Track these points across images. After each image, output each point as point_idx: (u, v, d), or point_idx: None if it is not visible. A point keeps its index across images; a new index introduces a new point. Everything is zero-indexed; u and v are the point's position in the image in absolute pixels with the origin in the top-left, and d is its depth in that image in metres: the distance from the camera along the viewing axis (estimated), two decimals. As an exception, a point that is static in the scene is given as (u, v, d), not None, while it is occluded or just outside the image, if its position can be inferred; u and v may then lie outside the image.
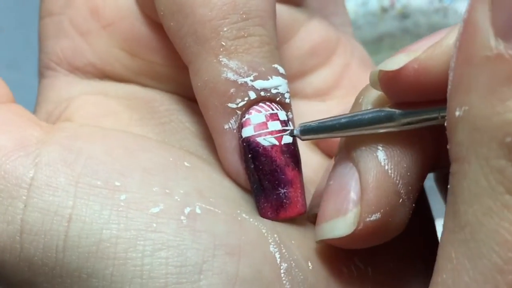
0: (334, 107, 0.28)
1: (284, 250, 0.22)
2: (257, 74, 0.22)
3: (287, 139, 0.22)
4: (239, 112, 0.22)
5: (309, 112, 0.27)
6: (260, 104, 0.22)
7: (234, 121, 0.22)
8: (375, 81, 0.21)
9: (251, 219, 0.22)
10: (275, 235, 0.22)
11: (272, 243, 0.21)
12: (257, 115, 0.22)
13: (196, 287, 0.20)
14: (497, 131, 0.16)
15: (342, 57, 0.29)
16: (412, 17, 0.58)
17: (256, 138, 0.22)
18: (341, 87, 0.29)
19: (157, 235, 0.20)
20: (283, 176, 0.22)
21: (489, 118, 0.16)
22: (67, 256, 0.20)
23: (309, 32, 0.28)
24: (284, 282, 0.21)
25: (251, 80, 0.22)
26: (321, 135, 0.22)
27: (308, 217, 0.23)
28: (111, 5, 0.25)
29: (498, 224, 0.16)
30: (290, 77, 0.26)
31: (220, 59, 0.21)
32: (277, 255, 0.21)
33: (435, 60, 0.19)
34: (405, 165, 0.21)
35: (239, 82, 0.22)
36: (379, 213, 0.20)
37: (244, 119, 0.22)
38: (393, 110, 0.20)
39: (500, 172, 0.16)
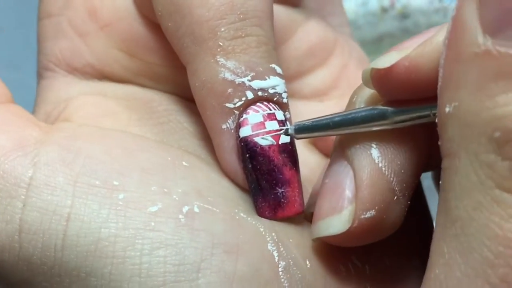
0: (332, 108, 0.27)
1: (282, 249, 0.22)
2: (254, 74, 0.22)
3: (285, 138, 0.22)
4: (236, 112, 0.22)
5: (307, 112, 0.27)
6: (258, 104, 0.22)
7: (232, 121, 0.22)
8: (367, 79, 0.21)
9: (249, 218, 0.22)
10: (273, 234, 0.22)
11: (270, 242, 0.22)
12: (254, 115, 0.22)
13: (195, 286, 0.20)
14: (486, 126, 0.16)
15: (339, 58, 0.29)
16: (412, 17, 0.58)
17: (254, 138, 0.22)
18: (339, 87, 0.29)
19: (155, 234, 0.20)
20: (281, 176, 0.22)
21: (478, 114, 0.16)
22: (65, 255, 0.20)
23: (306, 33, 0.28)
24: (282, 280, 0.21)
25: (249, 80, 0.22)
26: (315, 134, 0.22)
27: (306, 216, 0.24)
28: (109, 6, 0.25)
29: (488, 219, 0.16)
30: (288, 78, 0.26)
31: (218, 59, 0.22)
32: (275, 254, 0.21)
33: (425, 57, 0.19)
34: (399, 163, 0.21)
35: (237, 82, 0.22)
36: (373, 210, 0.20)
37: (241, 119, 0.22)
38: (386, 108, 0.21)
39: (490, 167, 0.16)
